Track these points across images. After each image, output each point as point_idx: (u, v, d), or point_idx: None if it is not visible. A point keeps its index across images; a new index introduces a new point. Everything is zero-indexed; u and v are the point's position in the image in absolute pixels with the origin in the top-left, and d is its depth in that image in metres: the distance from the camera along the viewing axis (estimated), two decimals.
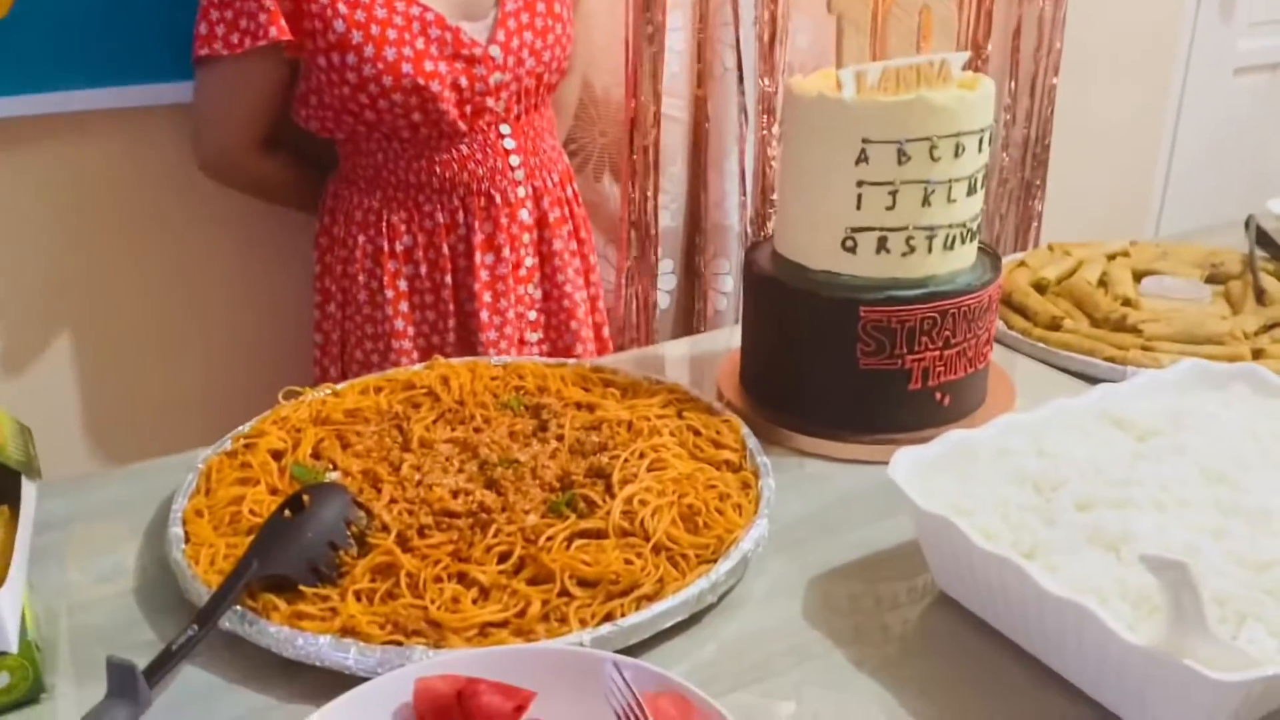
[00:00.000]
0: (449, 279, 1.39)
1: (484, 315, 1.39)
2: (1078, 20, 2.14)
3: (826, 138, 0.98)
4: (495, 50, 1.32)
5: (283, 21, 1.24)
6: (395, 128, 1.30)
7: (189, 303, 1.56)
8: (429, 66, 1.27)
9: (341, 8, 1.24)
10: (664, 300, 1.86)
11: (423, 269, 1.38)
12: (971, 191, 0.99)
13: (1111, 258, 1.45)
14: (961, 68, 1.03)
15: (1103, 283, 1.37)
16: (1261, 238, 1.45)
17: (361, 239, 1.38)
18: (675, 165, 1.78)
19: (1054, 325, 1.26)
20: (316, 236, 1.45)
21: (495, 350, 1.40)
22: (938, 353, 1.00)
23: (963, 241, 1.01)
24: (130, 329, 1.53)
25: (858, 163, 0.96)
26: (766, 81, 1.77)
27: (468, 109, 1.32)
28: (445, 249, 1.38)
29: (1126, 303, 1.30)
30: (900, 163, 0.95)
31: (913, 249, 0.98)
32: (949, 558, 0.76)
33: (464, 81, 1.30)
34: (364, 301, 1.40)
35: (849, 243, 0.99)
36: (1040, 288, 1.36)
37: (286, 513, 0.81)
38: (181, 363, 1.57)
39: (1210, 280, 1.39)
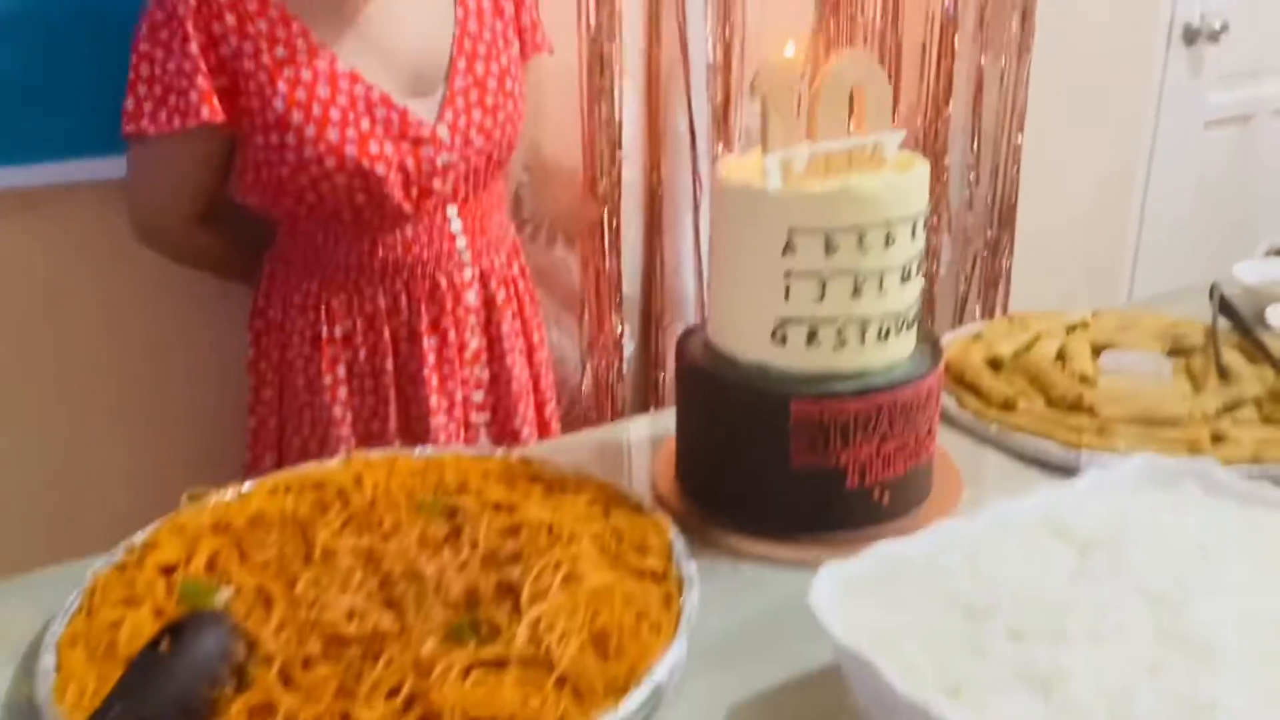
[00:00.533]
0: (389, 364, 1.33)
1: (432, 400, 1.34)
2: (1042, 76, 2.12)
3: (752, 227, 0.93)
4: (443, 130, 1.26)
5: (215, 101, 1.18)
6: (336, 210, 1.25)
7: (112, 386, 1.50)
8: (374, 149, 1.22)
9: (281, 86, 1.18)
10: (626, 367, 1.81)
11: (361, 354, 1.32)
12: (905, 279, 0.95)
13: (1071, 330, 1.40)
14: (898, 146, 0.99)
15: (1061, 357, 1.32)
16: (1225, 308, 1.41)
17: (300, 323, 1.32)
18: (631, 231, 1.74)
19: (1008, 406, 1.21)
20: (251, 319, 1.39)
21: (444, 434, 1.35)
22: (875, 449, 0.94)
23: (898, 331, 0.96)
24: (47, 413, 1.47)
25: (784, 253, 0.91)
26: (721, 147, 1.73)
27: (413, 191, 1.26)
28: (386, 334, 1.32)
29: (1084, 379, 1.25)
30: (828, 253, 0.91)
31: (845, 341, 0.94)
32: (872, 694, 0.70)
33: (410, 163, 1.24)
34: (301, 387, 1.34)
35: (779, 334, 0.94)
36: (996, 364, 1.31)
37: (163, 644, 0.75)
38: (102, 450, 1.51)
39: (1173, 353, 1.34)
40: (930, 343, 1.03)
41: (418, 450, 1.07)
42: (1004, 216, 2.14)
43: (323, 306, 1.31)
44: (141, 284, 1.47)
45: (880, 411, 0.94)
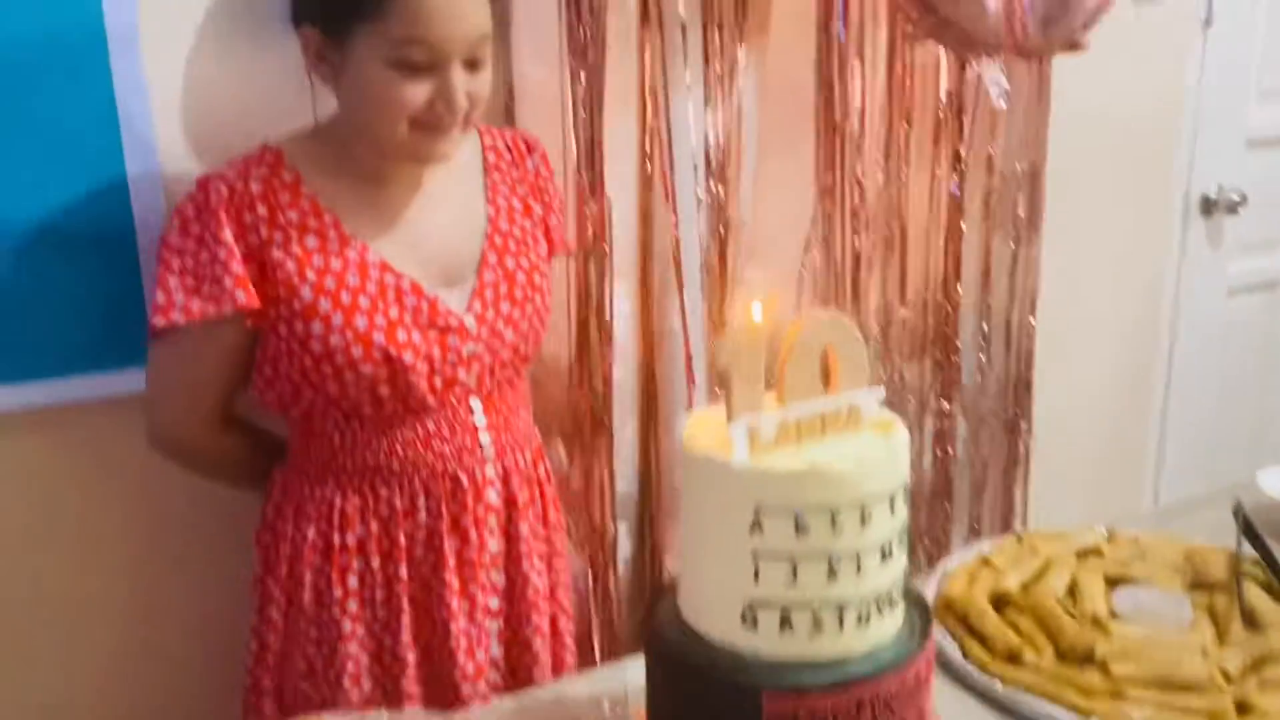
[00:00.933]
0: (404, 570, 1.27)
1: (453, 603, 1.28)
2: (1055, 254, 2.07)
3: (717, 502, 0.87)
4: (470, 320, 1.25)
5: (250, 287, 1.17)
6: (358, 403, 1.21)
7: (99, 608, 1.44)
8: (402, 336, 1.20)
9: (310, 274, 1.18)
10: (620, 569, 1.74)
11: (375, 561, 1.26)
12: (886, 557, 0.87)
13: (1084, 556, 1.31)
14: (879, 404, 0.93)
15: (1072, 593, 1.23)
16: (1249, 531, 1.32)
17: (311, 533, 1.26)
18: (626, 429, 1.69)
19: (1014, 658, 1.12)
20: (258, 534, 1.33)
21: (464, 639, 1.28)
22: None
23: (880, 612, 0.88)
24: (24, 634, 1.41)
25: (751, 531, 0.85)
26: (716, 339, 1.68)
27: (438, 381, 1.23)
28: (402, 538, 1.26)
29: (1097, 623, 1.16)
30: (799, 533, 0.84)
31: (821, 626, 0.86)
32: None
33: (436, 352, 1.22)
34: (309, 602, 1.27)
35: (749, 617, 0.87)
36: (1002, 600, 1.22)
37: None
38: (85, 675, 1.44)
39: (1194, 587, 1.25)
40: (918, 612, 0.95)
41: None
42: (1019, 396, 2.07)
43: (336, 513, 1.26)
44: (137, 505, 1.43)
45: (861, 706, 0.85)
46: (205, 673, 1.46)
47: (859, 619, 0.87)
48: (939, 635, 1.18)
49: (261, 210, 1.18)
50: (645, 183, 1.62)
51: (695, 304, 1.66)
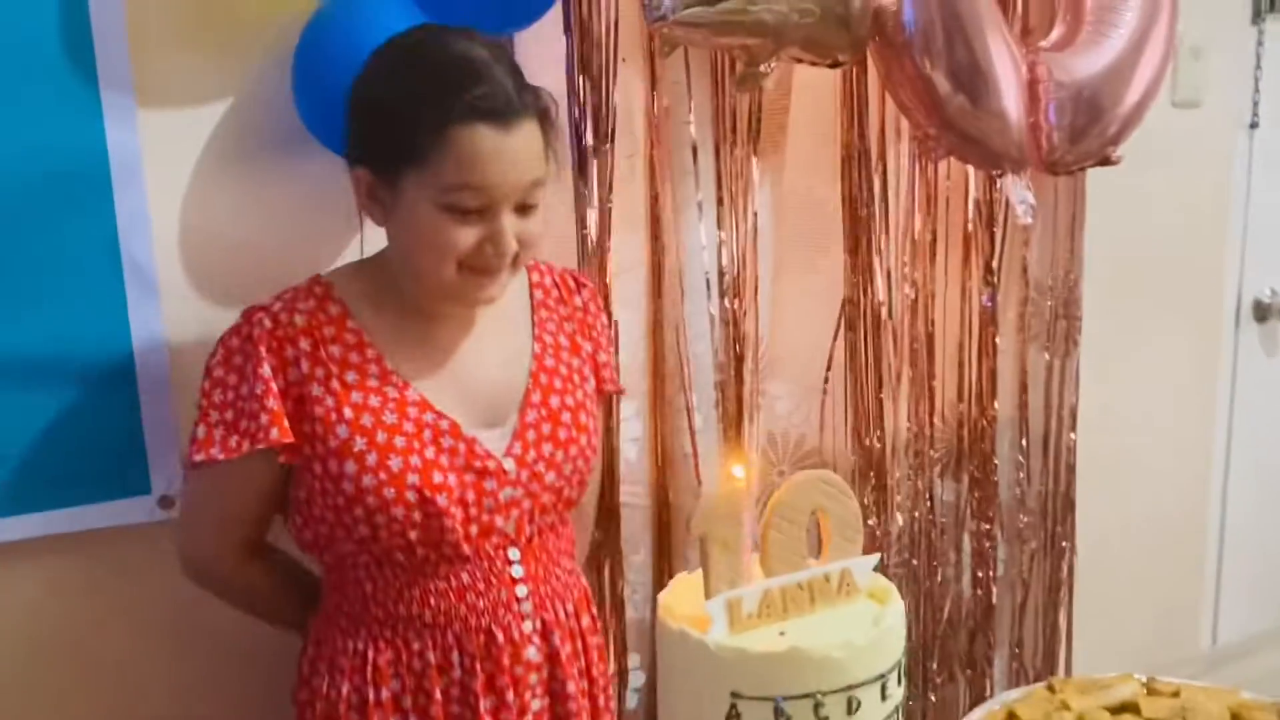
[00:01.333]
0: None
1: None
2: (1097, 368, 1.99)
3: (692, 682, 0.81)
4: (510, 463, 1.19)
5: (285, 423, 1.14)
6: (389, 549, 1.16)
7: None
8: (438, 479, 1.15)
9: (347, 412, 1.14)
10: (632, 699, 1.66)
11: (411, 718, 1.20)
12: None
13: (1118, 713, 1.21)
14: (873, 569, 0.87)
15: None
16: None
17: (345, 688, 1.20)
18: (638, 555, 1.63)
19: None
20: (295, 692, 1.27)
21: None
22: None
23: None
24: None
25: (728, 718, 0.78)
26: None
27: (474, 529, 1.17)
28: (437, 694, 1.19)
29: None
30: None
31: None
32: None
33: (472, 496, 1.17)
34: None
35: None
36: None
37: None
38: None
39: None
40: None
41: None
42: (1061, 515, 1.97)
43: (369, 667, 1.19)
44: (160, 648, 1.41)
45: None
46: None
47: None
48: None
49: (304, 344, 1.15)
50: (655, 301, 1.58)
51: (711, 425, 1.60)
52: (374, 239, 1.26)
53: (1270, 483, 2.38)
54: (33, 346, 1.29)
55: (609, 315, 1.45)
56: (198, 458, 1.15)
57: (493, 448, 1.19)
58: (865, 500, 1.77)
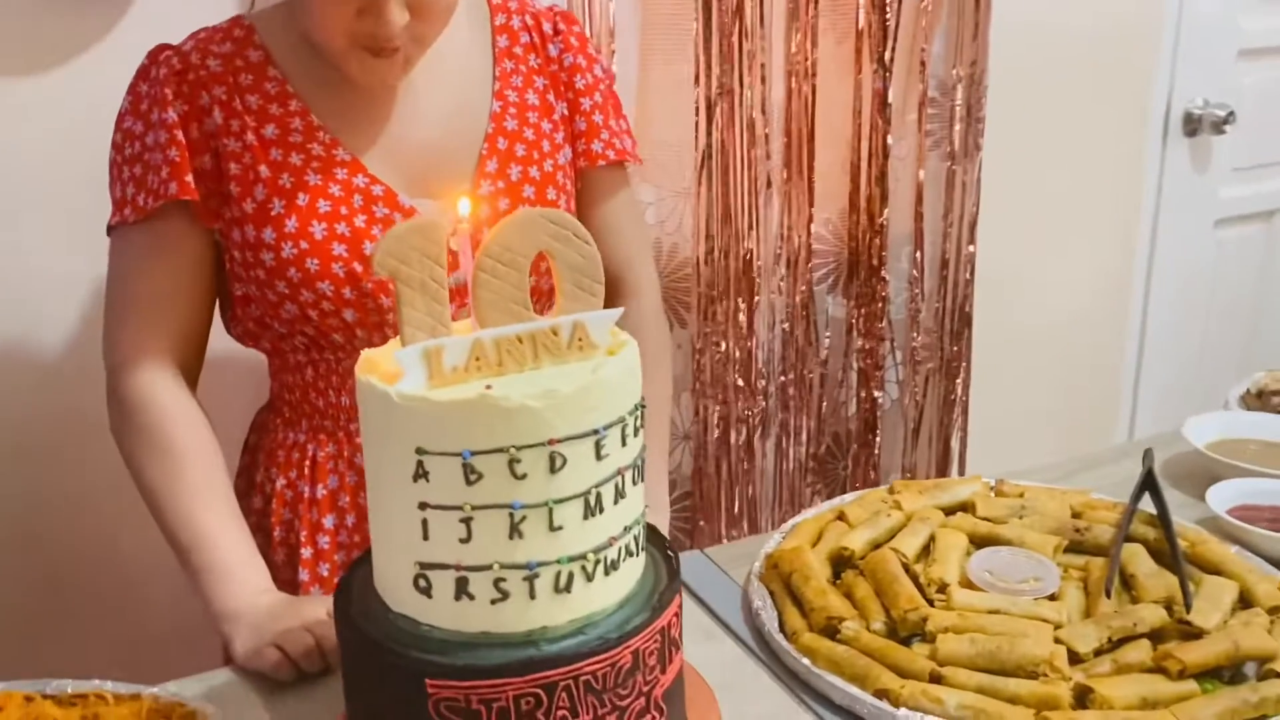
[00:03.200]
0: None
1: None
2: (1002, 176, 1.86)
3: (381, 442, 0.71)
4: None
5: (189, 177, 0.99)
6: (323, 330, 1.03)
7: None
8: (368, 248, 1.00)
9: (263, 170, 1.00)
10: None
11: (350, 518, 1.09)
12: (594, 512, 0.71)
13: (952, 511, 1.13)
14: (615, 324, 0.76)
15: (927, 554, 1.05)
16: (1149, 483, 1.12)
17: (281, 482, 1.10)
18: None
19: (830, 629, 0.95)
20: (234, 480, 1.12)
21: None
22: None
23: (588, 578, 0.72)
24: None
25: (416, 479, 0.68)
26: None
27: None
28: None
29: (942, 590, 0.99)
30: (470, 481, 0.68)
31: (505, 594, 0.70)
32: None
33: None
34: (280, 563, 1.10)
35: (421, 582, 0.71)
36: (842, 562, 1.05)
37: None
38: None
39: (1074, 549, 1.07)
40: (664, 579, 0.78)
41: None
42: (957, 334, 1.87)
43: (307, 461, 1.09)
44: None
45: (554, 693, 0.69)
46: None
47: (557, 585, 0.70)
48: (758, 598, 1.01)
49: (218, 91, 1.01)
50: None
51: None
52: None
53: (1193, 301, 2.28)
54: None
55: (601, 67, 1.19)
56: (113, 220, 1.02)
57: (437, 220, 1.03)
58: (739, 316, 1.67)
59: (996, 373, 1.97)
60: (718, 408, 1.70)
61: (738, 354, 1.68)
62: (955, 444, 1.91)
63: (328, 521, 1.08)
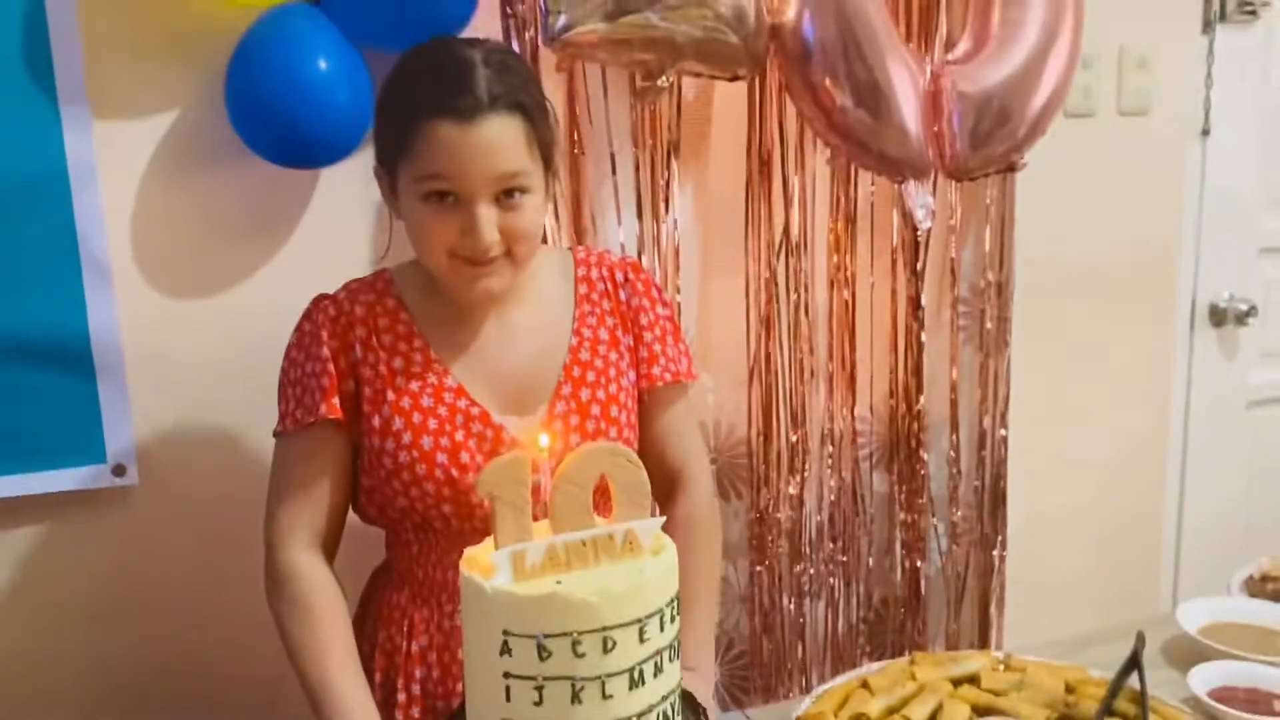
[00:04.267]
0: (460, 687, 1.30)
1: None
2: (1034, 365, 2.06)
3: (476, 623, 0.93)
4: None
5: (335, 400, 1.25)
6: (427, 518, 1.27)
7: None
8: (464, 458, 1.25)
9: (390, 395, 1.26)
10: None
11: (435, 672, 1.32)
12: (636, 684, 0.91)
13: (960, 683, 1.30)
14: (674, 507, 0.98)
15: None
16: (1134, 662, 1.28)
17: (382, 635, 1.34)
18: None
19: None
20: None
21: None
22: None
23: None
24: None
25: (502, 654, 0.90)
26: None
27: None
28: (460, 654, 1.29)
29: None
30: (542, 658, 0.89)
31: None
32: None
33: None
34: (378, 702, 1.28)
35: None
36: None
37: None
38: None
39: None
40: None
41: None
42: (994, 509, 2.04)
43: (406, 620, 1.32)
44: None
45: None
46: None
47: None
48: None
49: (360, 331, 1.27)
50: None
51: None
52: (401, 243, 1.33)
53: (1230, 481, 2.41)
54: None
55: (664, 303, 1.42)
56: (277, 429, 1.29)
57: (520, 435, 1.27)
58: (790, 489, 1.87)
59: (1034, 545, 2.12)
60: (768, 573, 1.89)
61: (788, 525, 1.87)
62: (993, 610, 2.06)
63: (418, 672, 1.30)
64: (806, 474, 1.88)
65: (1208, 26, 2.19)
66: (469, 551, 0.97)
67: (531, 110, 1.22)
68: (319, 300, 1.30)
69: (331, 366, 1.25)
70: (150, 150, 1.49)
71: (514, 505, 0.93)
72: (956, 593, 2.06)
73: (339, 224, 1.58)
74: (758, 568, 1.87)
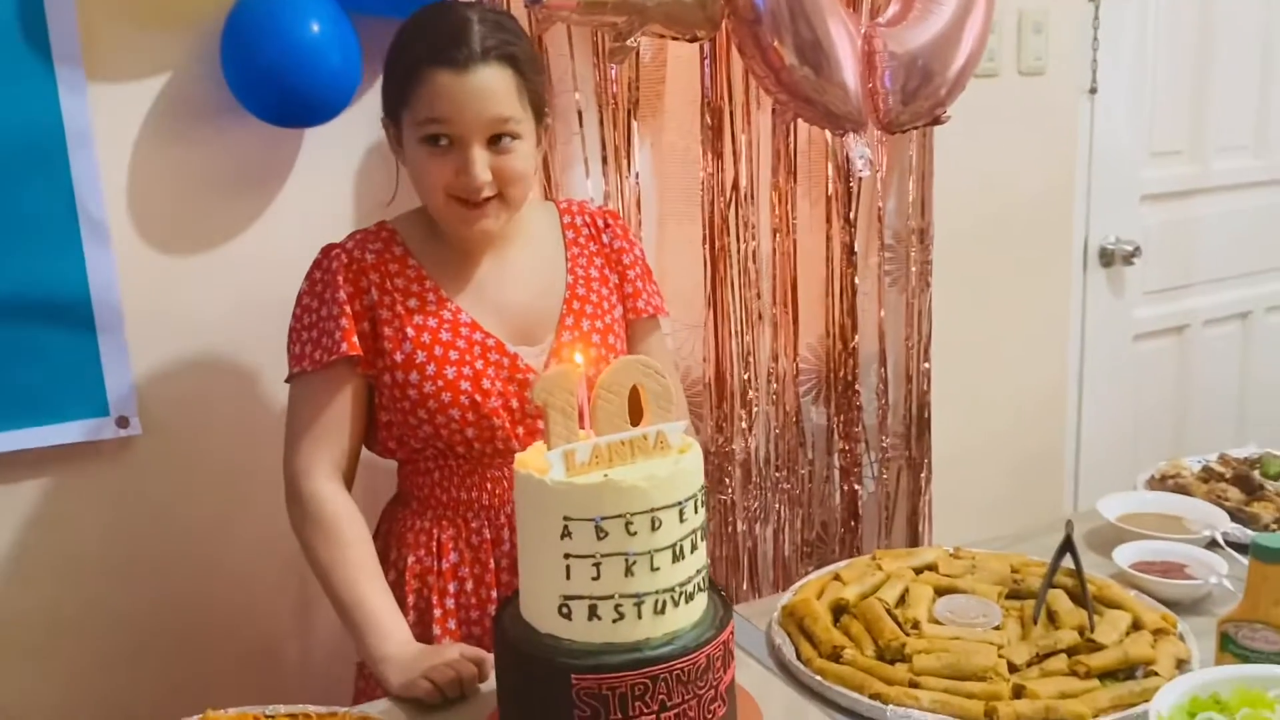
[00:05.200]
0: (494, 593, 1.42)
1: None
2: (952, 303, 2.26)
3: (536, 514, 1.05)
4: None
5: (355, 339, 1.35)
6: (450, 444, 1.38)
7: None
8: (486, 385, 1.36)
9: (410, 331, 1.36)
10: None
11: (469, 585, 1.43)
12: (679, 558, 1.05)
13: (920, 570, 1.48)
14: (684, 433, 1.11)
15: (903, 601, 1.40)
16: (1067, 546, 1.48)
17: (411, 559, 1.43)
18: None
19: (834, 655, 1.28)
20: None
21: None
22: (654, 718, 1.03)
23: (675, 604, 1.05)
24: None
25: (562, 537, 1.03)
26: None
27: (520, 430, 1.39)
28: (491, 564, 1.42)
29: (915, 626, 1.33)
30: (599, 538, 1.02)
31: (622, 615, 1.03)
32: None
33: (515, 403, 1.38)
34: (413, 622, 1.40)
35: (564, 609, 1.04)
36: (840, 609, 1.39)
37: None
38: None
39: (1013, 596, 1.42)
40: (721, 609, 1.12)
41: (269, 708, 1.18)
42: (919, 436, 2.24)
43: (434, 541, 1.42)
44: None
45: (656, 682, 1.02)
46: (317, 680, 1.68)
47: (655, 608, 1.04)
48: (779, 638, 1.35)
49: (374, 277, 1.37)
50: None
51: None
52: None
53: (1120, 405, 2.68)
54: (2, 290, 1.51)
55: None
56: (294, 370, 1.37)
57: (532, 363, 1.40)
58: (739, 423, 2.03)
59: (958, 467, 2.33)
60: (724, 503, 2.05)
61: (741, 456, 2.04)
62: (922, 527, 2.26)
63: (451, 588, 1.42)
64: (755, 410, 2.04)
65: None
66: (520, 456, 1.10)
67: (522, 63, 1.34)
68: (329, 250, 1.39)
69: (349, 308, 1.35)
70: (144, 112, 1.55)
71: (564, 411, 1.06)
72: (889, 513, 2.26)
73: (325, 179, 1.67)
74: (720, 497, 2.02)
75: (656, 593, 1.04)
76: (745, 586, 2.10)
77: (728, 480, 2.04)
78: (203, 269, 1.62)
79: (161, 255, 1.59)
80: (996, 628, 1.32)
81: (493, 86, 1.31)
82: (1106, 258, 2.58)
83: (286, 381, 1.39)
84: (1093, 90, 2.47)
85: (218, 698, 1.38)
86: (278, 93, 1.51)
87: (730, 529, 2.06)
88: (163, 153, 1.56)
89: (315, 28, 1.50)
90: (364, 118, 1.60)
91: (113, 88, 1.52)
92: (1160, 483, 1.79)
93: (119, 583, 1.62)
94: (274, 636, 1.73)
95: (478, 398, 1.36)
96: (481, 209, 1.34)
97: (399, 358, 1.36)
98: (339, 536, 1.36)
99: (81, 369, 1.56)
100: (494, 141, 1.32)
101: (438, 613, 1.41)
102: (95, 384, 1.57)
